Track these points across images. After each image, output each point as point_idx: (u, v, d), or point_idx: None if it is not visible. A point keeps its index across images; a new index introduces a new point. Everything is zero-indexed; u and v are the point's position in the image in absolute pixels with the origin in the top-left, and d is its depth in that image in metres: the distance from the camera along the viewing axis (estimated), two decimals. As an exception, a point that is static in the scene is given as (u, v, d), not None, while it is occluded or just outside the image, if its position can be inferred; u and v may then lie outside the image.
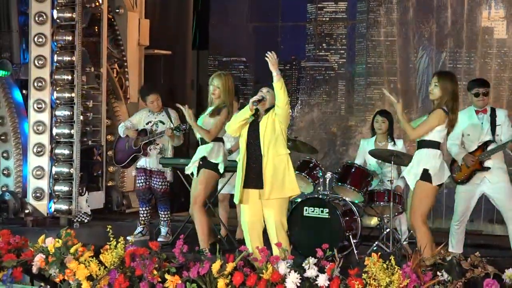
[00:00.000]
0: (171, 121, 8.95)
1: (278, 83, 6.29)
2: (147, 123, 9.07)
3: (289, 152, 6.56)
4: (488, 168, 7.50)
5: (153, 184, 9.01)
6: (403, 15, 11.99)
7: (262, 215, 6.49)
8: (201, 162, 7.57)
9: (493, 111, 7.71)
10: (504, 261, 6.01)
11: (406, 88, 11.90)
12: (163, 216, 9.02)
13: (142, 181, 9.06)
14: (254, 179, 6.47)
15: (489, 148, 7.55)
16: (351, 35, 12.96)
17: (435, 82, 6.88)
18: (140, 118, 9.18)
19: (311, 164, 8.54)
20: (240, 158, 6.58)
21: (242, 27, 13.49)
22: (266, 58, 6.31)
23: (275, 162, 6.42)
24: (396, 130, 8.95)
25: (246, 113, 6.51)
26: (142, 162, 9.03)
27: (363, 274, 5.33)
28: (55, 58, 10.17)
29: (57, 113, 10.14)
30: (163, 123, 8.98)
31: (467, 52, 11.52)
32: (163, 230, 8.98)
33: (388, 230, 8.06)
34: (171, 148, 9.05)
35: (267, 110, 6.53)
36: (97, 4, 10.77)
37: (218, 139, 7.62)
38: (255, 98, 6.47)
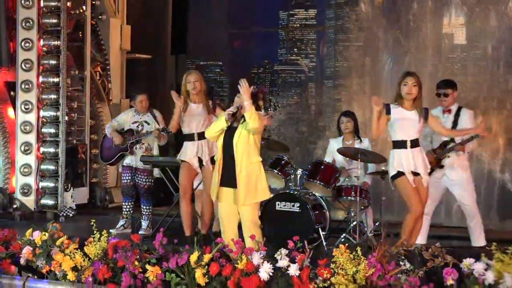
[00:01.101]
0: (156, 121, 8.97)
1: (248, 113, 6.26)
2: (133, 123, 9.08)
3: (261, 159, 6.57)
4: (442, 166, 7.57)
5: (137, 181, 9.02)
6: (369, 21, 12.02)
7: (237, 210, 6.51)
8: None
9: (458, 111, 7.72)
10: (462, 251, 6.06)
11: (373, 91, 11.91)
12: (145, 210, 9.03)
13: (127, 178, 9.08)
14: (229, 179, 6.48)
15: (448, 147, 7.62)
16: (320, 40, 13.02)
17: (413, 82, 6.76)
18: (127, 117, 9.18)
19: (283, 162, 8.55)
20: (217, 159, 6.61)
21: (218, 33, 13.51)
22: (239, 86, 6.29)
23: (248, 170, 6.41)
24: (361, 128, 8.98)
25: (222, 123, 6.49)
26: (128, 160, 9.04)
27: (331, 264, 5.35)
28: (41, 61, 10.13)
29: (43, 113, 10.11)
30: (148, 124, 8.99)
31: (431, 56, 11.57)
32: (144, 223, 8.99)
33: (355, 223, 8.11)
34: (157, 147, 9.07)
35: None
36: (81, 10, 10.77)
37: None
38: (230, 110, 6.44)
